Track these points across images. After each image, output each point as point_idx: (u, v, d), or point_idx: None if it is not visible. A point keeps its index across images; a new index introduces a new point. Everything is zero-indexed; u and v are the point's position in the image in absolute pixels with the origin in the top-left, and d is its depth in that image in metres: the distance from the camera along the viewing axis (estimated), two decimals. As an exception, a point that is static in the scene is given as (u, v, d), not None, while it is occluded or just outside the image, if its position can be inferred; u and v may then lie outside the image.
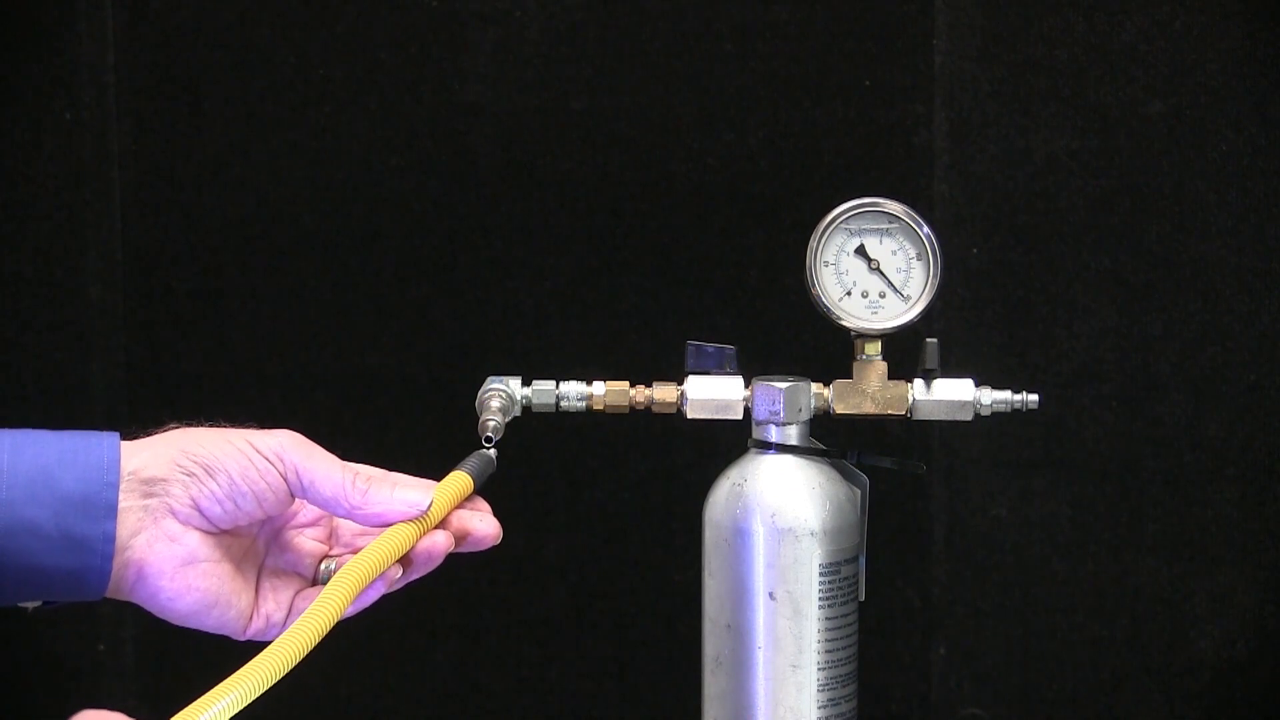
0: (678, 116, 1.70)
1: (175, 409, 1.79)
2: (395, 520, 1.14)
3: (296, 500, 1.16)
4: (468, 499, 1.21)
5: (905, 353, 1.33)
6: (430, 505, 1.15)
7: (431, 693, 1.79)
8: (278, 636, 1.11)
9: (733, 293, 1.71)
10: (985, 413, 1.31)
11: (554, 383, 1.32)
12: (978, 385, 1.31)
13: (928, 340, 1.30)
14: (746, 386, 1.31)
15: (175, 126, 1.73)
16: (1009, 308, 1.68)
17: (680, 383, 1.32)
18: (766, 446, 1.30)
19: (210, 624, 1.16)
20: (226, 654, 1.83)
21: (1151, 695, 1.71)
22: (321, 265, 1.75)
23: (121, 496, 1.10)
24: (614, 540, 1.76)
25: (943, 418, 1.31)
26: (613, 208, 1.71)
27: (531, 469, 1.75)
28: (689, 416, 1.31)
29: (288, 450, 1.13)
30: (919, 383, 1.31)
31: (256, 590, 1.18)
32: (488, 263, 1.73)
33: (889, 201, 1.31)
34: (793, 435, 1.30)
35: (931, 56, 1.67)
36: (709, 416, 1.31)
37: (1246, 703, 1.69)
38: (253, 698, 1.04)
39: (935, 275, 1.31)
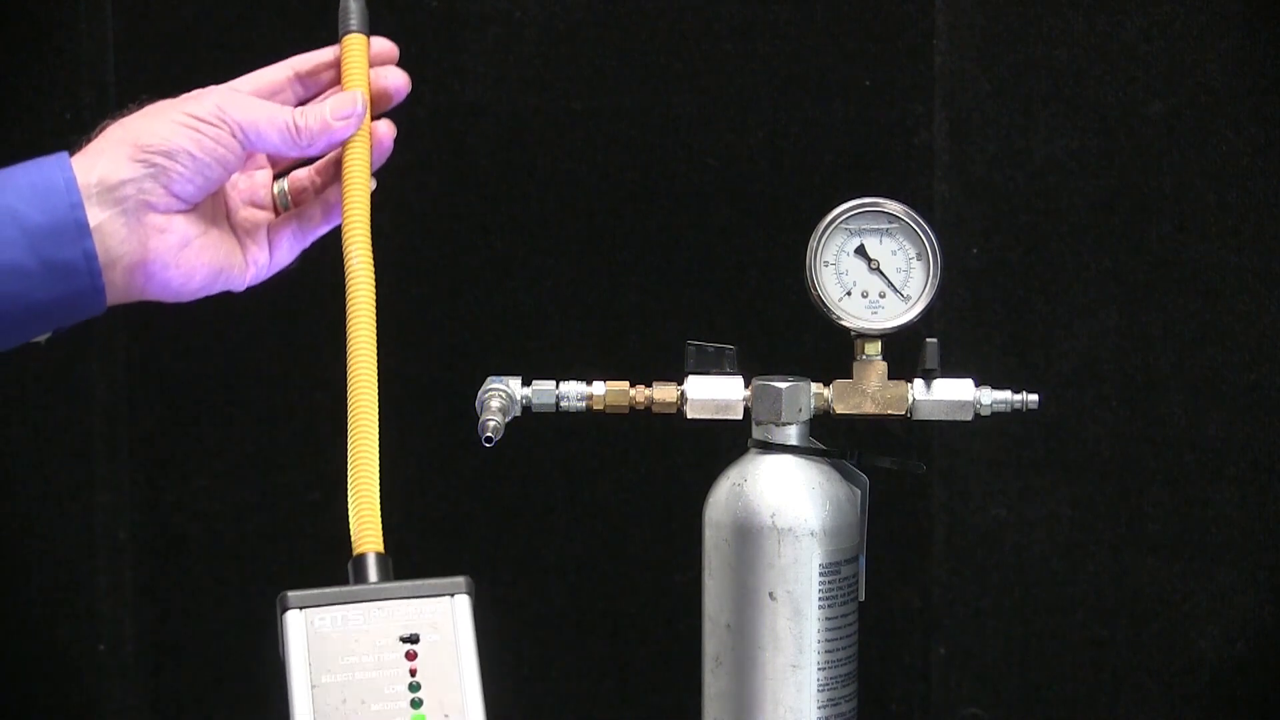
0: (678, 116, 1.70)
1: (175, 409, 1.79)
2: (343, 138, 1.20)
3: None
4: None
5: (905, 353, 1.33)
6: (363, 104, 1.21)
7: (431, 693, 1.79)
8: (272, 271, 1.22)
9: (733, 293, 1.71)
10: (985, 413, 1.31)
11: (554, 383, 1.32)
12: (978, 385, 1.31)
13: (928, 340, 1.30)
14: (746, 386, 1.31)
15: (175, 126, 1.73)
16: (1009, 308, 1.68)
17: (680, 383, 1.32)
18: (766, 446, 1.30)
19: (218, 288, 1.21)
20: (227, 653, 1.83)
21: (1151, 695, 1.71)
22: (320, 265, 1.74)
23: (95, 211, 1.13)
24: (614, 540, 1.76)
25: (943, 418, 1.31)
26: (613, 208, 1.71)
27: (531, 469, 1.75)
28: (689, 416, 1.31)
29: (226, 108, 1.16)
30: (919, 383, 1.31)
31: (239, 242, 1.22)
32: (488, 263, 1.73)
33: (889, 201, 1.31)
34: (793, 435, 1.30)
35: (931, 56, 1.67)
36: (709, 416, 1.31)
37: (1246, 703, 1.69)
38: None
39: (935, 275, 1.31)
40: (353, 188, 1.20)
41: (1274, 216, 1.65)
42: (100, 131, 1.17)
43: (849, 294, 1.31)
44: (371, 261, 1.18)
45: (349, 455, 1.11)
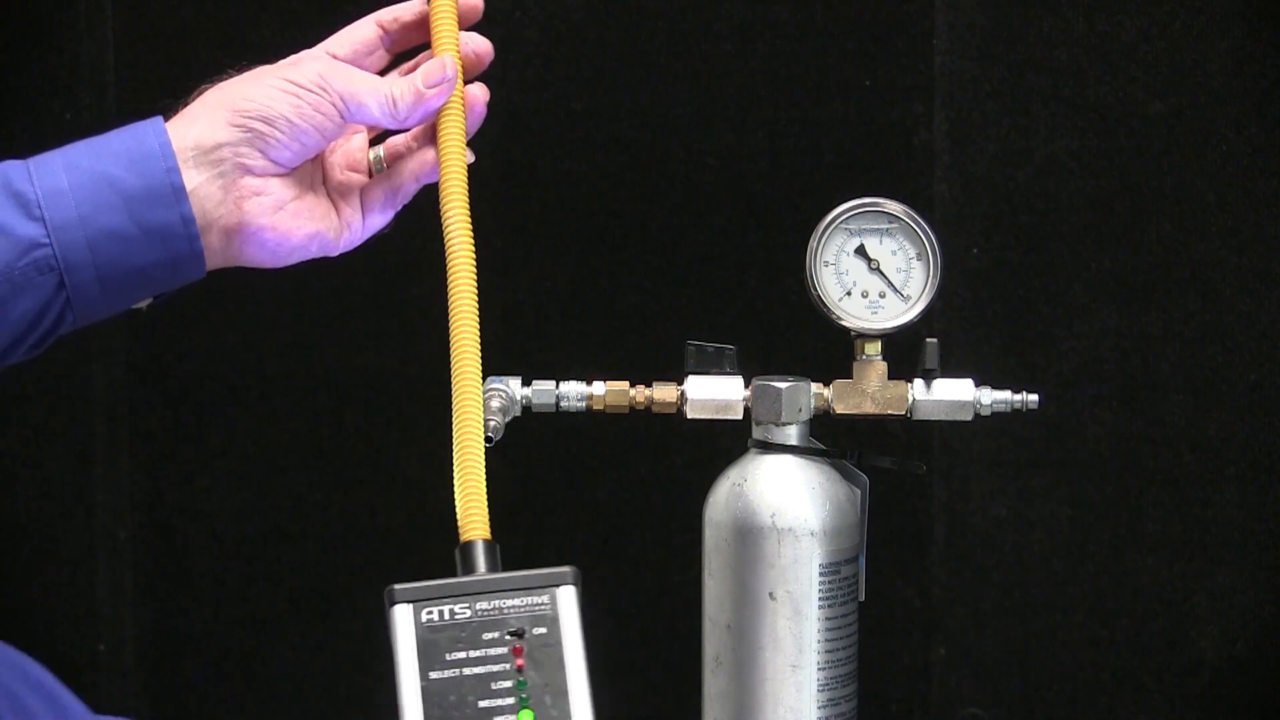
0: (678, 116, 1.70)
1: (175, 409, 1.79)
2: (437, 106, 1.20)
3: None
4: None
5: (905, 353, 1.33)
6: (453, 68, 1.20)
7: (431, 693, 1.79)
8: (367, 235, 1.23)
9: (733, 293, 1.71)
10: (985, 413, 1.31)
11: (554, 383, 1.32)
12: (978, 385, 1.31)
13: (928, 340, 1.30)
14: (746, 386, 1.31)
15: (175, 126, 1.73)
16: (1009, 308, 1.68)
17: (680, 383, 1.32)
18: (766, 446, 1.30)
19: (314, 251, 1.22)
20: (227, 653, 1.83)
21: (1151, 695, 1.71)
22: (321, 265, 1.74)
23: (191, 174, 1.13)
24: (614, 540, 1.76)
25: (943, 418, 1.31)
26: (613, 208, 1.71)
27: (531, 469, 1.75)
28: (689, 416, 1.31)
29: (328, 78, 1.16)
30: (919, 383, 1.31)
31: (334, 205, 1.23)
32: (487, 263, 1.73)
33: (889, 201, 1.31)
34: (793, 435, 1.30)
35: (931, 56, 1.67)
36: (709, 416, 1.31)
37: (1246, 703, 1.69)
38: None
39: (935, 275, 1.31)
40: (449, 154, 1.20)
41: (1274, 216, 1.65)
42: (197, 95, 1.18)
43: (849, 294, 1.31)
44: (471, 232, 1.20)
45: (455, 441, 1.10)
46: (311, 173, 1.21)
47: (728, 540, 1.28)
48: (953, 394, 1.31)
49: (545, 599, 1.03)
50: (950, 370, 1.31)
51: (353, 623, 1.78)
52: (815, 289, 1.31)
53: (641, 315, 1.72)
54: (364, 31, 1.23)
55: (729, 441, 1.33)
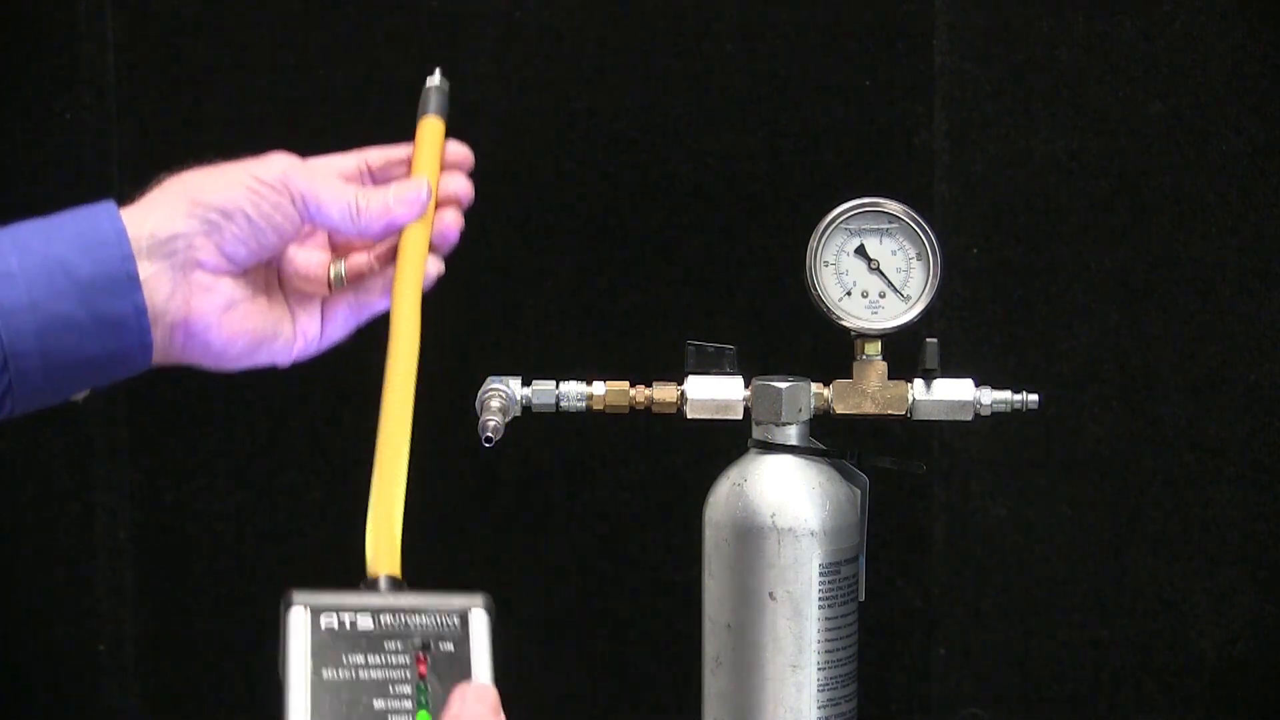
0: (678, 116, 1.70)
1: (175, 409, 1.79)
2: (402, 224, 1.17)
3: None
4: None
5: (905, 353, 1.33)
6: (428, 192, 1.18)
7: (431, 693, 1.79)
8: (324, 346, 1.18)
9: (733, 293, 1.71)
10: (985, 413, 1.31)
11: (554, 383, 1.32)
12: (978, 385, 1.31)
13: (928, 340, 1.30)
14: (746, 386, 1.31)
15: (175, 126, 1.73)
16: (1009, 308, 1.69)
17: (680, 383, 1.32)
18: (766, 446, 1.30)
19: (261, 359, 1.17)
20: (227, 653, 1.83)
21: (1151, 695, 1.71)
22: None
23: (144, 264, 1.09)
24: (614, 540, 1.76)
25: (943, 418, 1.31)
26: (613, 208, 1.71)
27: (531, 469, 1.75)
28: (689, 416, 1.31)
29: (291, 177, 1.14)
30: (919, 383, 1.31)
31: (290, 313, 1.19)
32: (488, 263, 1.73)
33: (889, 201, 1.31)
34: (793, 435, 1.30)
35: (931, 56, 1.67)
36: (709, 416, 1.31)
37: (1246, 703, 1.69)
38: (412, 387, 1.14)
39: (935, 275, 1.31)
40: (405, 268, 1.17)
41: (1274, 216, 1.65)
42: (157, 184, 1.14)
43: (849, 294, 1.31)
44: (417, 340, 1.15)
45: (376, 471, 1.09)
46: (266, 277, 1.18)
47: (728, 540, 1.28)
48: (953, 394, 1.31)
49: (455, 620, 1.01)
50: (950, 370, 1.31)
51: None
52: (815, 289, 1.31)
53: (641, 315, 1.72)
54: (345, 163, 1.20)
55: (729, 441, 1.33)
